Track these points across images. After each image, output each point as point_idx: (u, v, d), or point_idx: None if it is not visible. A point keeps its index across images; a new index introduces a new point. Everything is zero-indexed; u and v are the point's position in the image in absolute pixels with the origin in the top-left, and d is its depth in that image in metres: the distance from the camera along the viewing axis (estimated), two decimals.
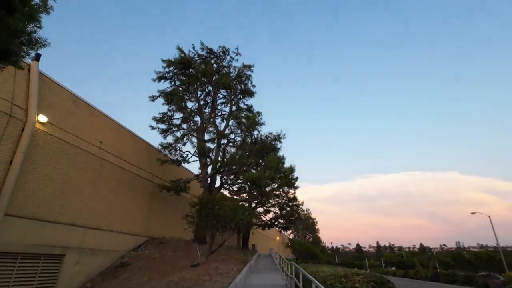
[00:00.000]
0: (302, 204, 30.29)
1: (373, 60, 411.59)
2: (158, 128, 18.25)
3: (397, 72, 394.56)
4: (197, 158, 17.87)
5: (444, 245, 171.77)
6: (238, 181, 19.37)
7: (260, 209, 30.19)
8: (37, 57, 11.82)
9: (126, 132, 16.53)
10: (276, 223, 30.55)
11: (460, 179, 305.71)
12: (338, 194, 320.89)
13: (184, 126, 19.22)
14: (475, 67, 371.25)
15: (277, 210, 30.55)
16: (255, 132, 16.81)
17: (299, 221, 39.06)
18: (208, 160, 17.18)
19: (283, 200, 30.16)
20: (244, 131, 17.78)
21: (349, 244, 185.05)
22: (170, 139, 18.33)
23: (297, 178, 30.50)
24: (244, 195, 24.90)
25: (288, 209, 30.14)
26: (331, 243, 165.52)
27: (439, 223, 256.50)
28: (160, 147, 17.65)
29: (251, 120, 15.94)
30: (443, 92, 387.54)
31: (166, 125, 18.39)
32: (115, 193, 14.75)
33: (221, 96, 20.85)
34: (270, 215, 31.00)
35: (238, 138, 17.70)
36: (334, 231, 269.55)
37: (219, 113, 19.89)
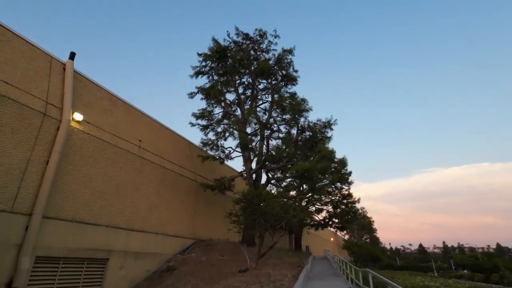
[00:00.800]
0: (358, 201, 27.33)
1: (432, 47, 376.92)
2: (198, 124, 17.40)
3: (462, 58, 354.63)
4: (240, 154, 16.58)
5: None
6: (285, 177, 17.63)
7: (312, 208, 28.00)
8: (72, 56, 11.54)
9: (165, 130, 15.91)
10: (330, 222, 28.02)
11: None
12: (394, 192, 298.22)
13: (225, 121, 18.13)
14: None
15: (330, 208, 28.04)
16: (301, 120, 14.97)
17: (355, 221, 35.81)
18: (251, 154, 15.77)
19: (337, 198, 27.55)
20: (289, 121, 16.00)
21: (410, 244, 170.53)
22: (211, 135, 17.34)
23: (350, 172, 27.72)
24: (293, 192, 23.09)
25: (343, 207, 27.41)
26: (389, 244, 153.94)
27: None
28: (201, 144, 16.74)
29: (296, 106, 14.13)
30: (502, 72, 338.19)
31: (206, 121, 17.45)
32: (158, 193, 14.07)
33: (261, 87, 19.38)
34: (323, 214, 28.60)
35: (283, 129, 16.01)
36: (391, 231, 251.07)
37: (260, 103, 18.38)
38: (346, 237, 59.25)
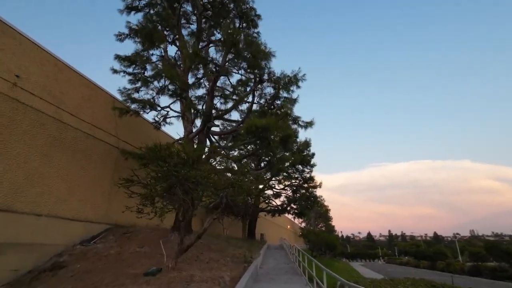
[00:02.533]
0: (320, 185, 24.81)
1: (387, 44, 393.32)
2: (124, 72, 12.89)
3: (409, 59, 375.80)
4: (179, 114, 12.51)
5: (457, 233, 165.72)
6: (237, 144, 13.96)
7: (269, 192, 24.91)
8: None
9: (72, 73, 11.27)
10: (288, 208, 25.22)
11: (472, 167, 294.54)
12: (348, 184, 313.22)
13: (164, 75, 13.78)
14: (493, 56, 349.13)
15: (289, 193, 25.19)
16: (259, 72, 11.24)
17: (314, 207, 33.74)
18: (193, 114, 11.79)
19: (297, 182, 24.77)
20: (246, 78, 12.25)
21: (359, 233, 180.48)
22: (146, 94, 12.93)
23: (313, 154, 25.13)
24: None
25: (303, 191, 24.70)
26: (341, 232, 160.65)
27: (450, 212, 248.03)
28: (126, 97, 12.29)
29: (255, 52, 10.47)
30: (452, 79, 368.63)
31: (138, 69, 12.97)
32: (46, 157, 9.61)
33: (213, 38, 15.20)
34: (282, 199, 25.68)
35: (236, 77, 12.05)
36: (343, 220, 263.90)
37: (207, 44, 14.12)
38: (303, 225, 58.19)
